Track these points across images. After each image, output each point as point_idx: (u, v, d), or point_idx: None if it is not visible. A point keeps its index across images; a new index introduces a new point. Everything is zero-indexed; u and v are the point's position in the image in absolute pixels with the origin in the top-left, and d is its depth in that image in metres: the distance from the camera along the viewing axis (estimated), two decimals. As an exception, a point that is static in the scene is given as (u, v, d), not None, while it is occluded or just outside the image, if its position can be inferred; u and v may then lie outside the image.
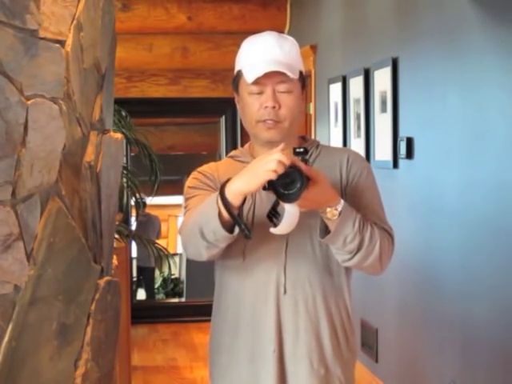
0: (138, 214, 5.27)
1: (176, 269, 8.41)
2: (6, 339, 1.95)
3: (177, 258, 8.80)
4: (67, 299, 2.08)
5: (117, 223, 2.98)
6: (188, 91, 6.61)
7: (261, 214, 1.99)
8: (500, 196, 3.08)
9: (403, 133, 4.04)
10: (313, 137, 5.55)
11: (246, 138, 2.25)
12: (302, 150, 1.92)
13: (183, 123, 7.73)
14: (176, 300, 8.80)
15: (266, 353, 2.03)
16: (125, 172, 4.64)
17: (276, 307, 2.03)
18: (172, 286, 8.92)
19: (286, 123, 2.03)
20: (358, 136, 4.74)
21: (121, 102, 4.25)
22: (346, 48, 5.10)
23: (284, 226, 1.88)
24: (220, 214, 1.87)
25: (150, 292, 8.58)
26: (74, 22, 2.08)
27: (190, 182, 2.12)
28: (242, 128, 2.32)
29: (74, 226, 2.09)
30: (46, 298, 2.02)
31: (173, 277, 8.68)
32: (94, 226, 2.22)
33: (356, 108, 4.78)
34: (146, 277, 8.61)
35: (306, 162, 1.89)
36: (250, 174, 1.85)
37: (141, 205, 5.28)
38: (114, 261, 2.49)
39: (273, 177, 1.80)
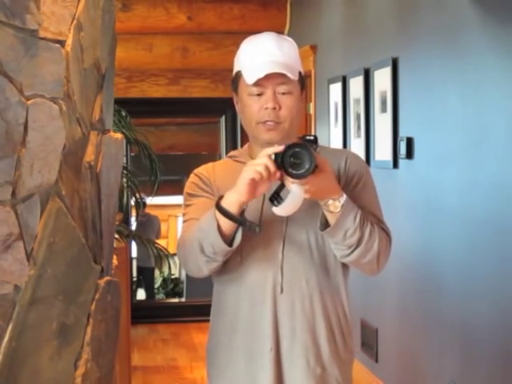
0: (138, 213, 5.27)
1: (176, 269, 8.40)
2: (6, 339, 1.95)
3: (177, 258, 8.78)
4: (67, 299, 2.08)
5: (117, 223, 2.98)
6: (188, 91, 6.61)
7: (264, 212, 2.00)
8: (500, 196, 3.08)
9: (403, 133, 4.04)
10: (313, 137, 5.54)
11: (245, 138, 2.25)
12: (312, 138, 1.93)
13: (183, 123, 7.73)
14: (176, 300, 8.80)
15: (262, 352, 2.03)
16: (125, 172, 4.64)
17: (273, 306, 2.03)
18: (172, 285, 8.92)
19: (286, 124, 2.04)
20: (358, 136, 4.74)
21: (121, 102, 4.25)
22: (345, 48, 5.10)
23: (286, 207, 1.88)
24: (219, 228, 1.90)
25: (150, 292, 8.58)
26: (74, 21, 2.08)
27: (187, 186, 2.14)
28: (242, 128, 2.32)
29: (74, 226, 2.09)
30: (46, 298, 2.02)
31: (173, 277, 8.68)
32: (93, 226, 2.22)
33: (356, 108, 4.78)
34: (145, 277, 8.61)
35: (314, 150, 1.89)
36: (240, 183, 1.88)
37: (141, 205, 5.29)
38: (114, 261, 2.49)
39: (256, 177, 1.83)
